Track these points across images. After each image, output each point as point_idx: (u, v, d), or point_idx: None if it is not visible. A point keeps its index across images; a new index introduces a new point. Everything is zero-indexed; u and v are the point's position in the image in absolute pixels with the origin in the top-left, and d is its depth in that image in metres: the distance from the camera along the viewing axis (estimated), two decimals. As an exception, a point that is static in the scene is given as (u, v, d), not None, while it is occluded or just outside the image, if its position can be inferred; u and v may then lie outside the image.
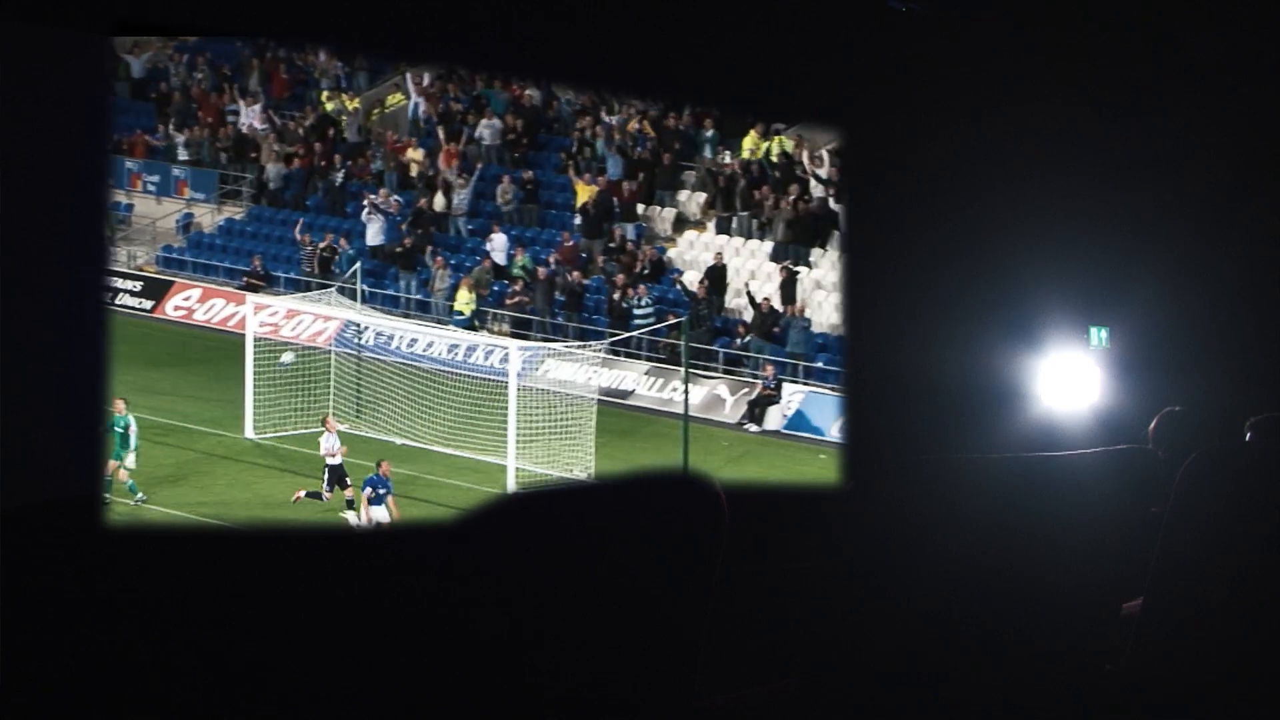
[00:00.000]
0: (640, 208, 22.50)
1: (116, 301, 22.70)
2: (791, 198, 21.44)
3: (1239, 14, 8.45)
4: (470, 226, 23.86)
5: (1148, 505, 3.46)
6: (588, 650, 2.53)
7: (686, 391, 18.77)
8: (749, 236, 22.14)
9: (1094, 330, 9.52)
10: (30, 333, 5.92)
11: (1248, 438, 5.69)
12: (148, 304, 23.79)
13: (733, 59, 7.72)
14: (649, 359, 20.92)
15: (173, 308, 23.83)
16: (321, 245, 23.59)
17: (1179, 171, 8.91)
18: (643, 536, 2.56)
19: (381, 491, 15.55)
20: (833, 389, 19.08)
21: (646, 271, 21.78)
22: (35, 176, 5.93)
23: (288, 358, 19.65)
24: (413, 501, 16.21)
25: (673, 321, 20.64)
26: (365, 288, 22.30)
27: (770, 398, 19.78)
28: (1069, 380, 9.36)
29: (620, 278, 21.57)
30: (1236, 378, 8.27)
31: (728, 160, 21.62)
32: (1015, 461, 3.84)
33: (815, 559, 3.52)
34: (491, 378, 18.54)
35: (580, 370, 20.14)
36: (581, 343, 20.80)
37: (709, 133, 21.29)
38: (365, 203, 23.76)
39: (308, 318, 21.80)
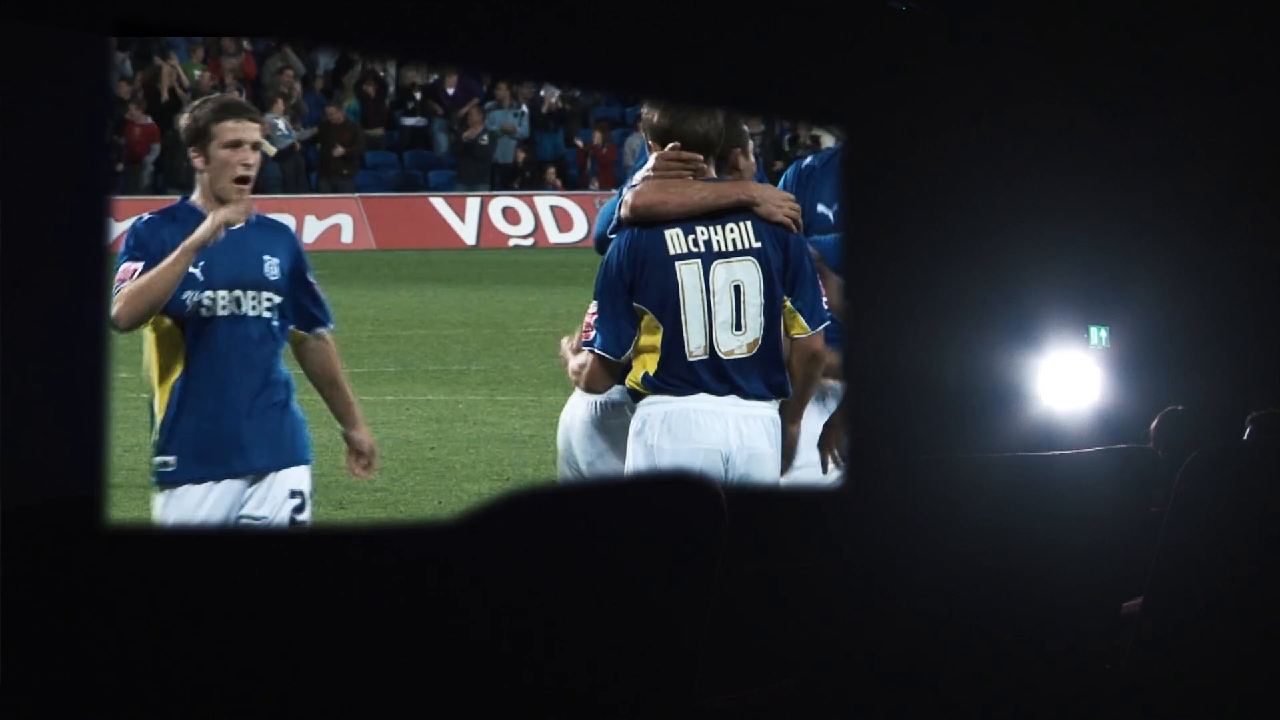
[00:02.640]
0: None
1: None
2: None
3: (1239, 14, 8.44)
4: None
5: (1148, 505, 3.46)
6: (588, 650, 2.53)
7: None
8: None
9: (1094, 330, 9.51)
10: (30, 333, 5.92)
11: (1248, 433, 5.70)
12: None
13: (732, 59, 7.71)
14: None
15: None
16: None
17: (1179, 171, 8.90)
18: (643, 536, 2.57)
19: None
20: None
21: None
22: (35, 176, 5.93)
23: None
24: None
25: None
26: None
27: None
28: (1069, 380, 9.35)
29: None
30: (1237, 377, 8.26)
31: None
32: (1015, 461, 3.84)
33: (815, 559, 3.52)
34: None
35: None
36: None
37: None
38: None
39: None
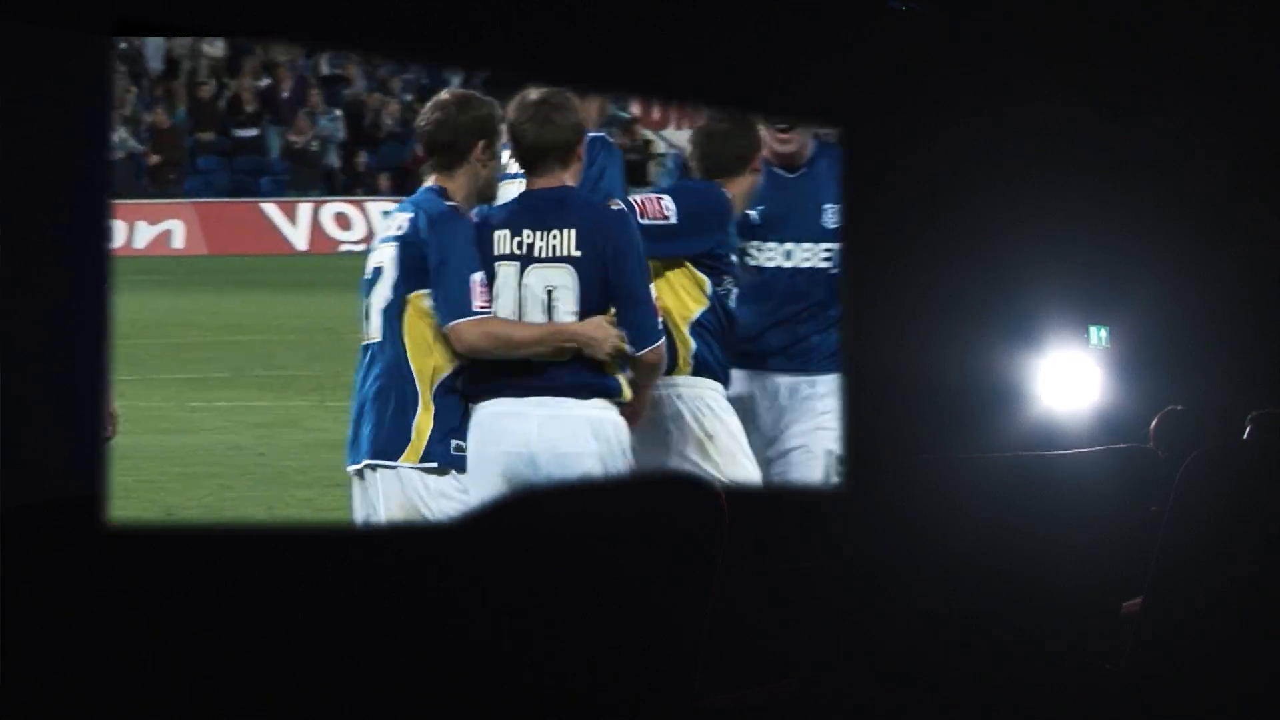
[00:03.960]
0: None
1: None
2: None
3: (1239, 14, 8.45)
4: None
5: (1148, 505, 3.46)
6: (588, 650, 2.53)
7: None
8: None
9: (1094, 329, 9.52)
10: (30, 333, 5.92)
11: (1248, 432, 5.70)
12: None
13: (732, 58, 7.72)
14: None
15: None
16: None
17: (1179, 171, 8.91)
18: (643, 537, 2.57)
19: None
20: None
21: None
22: (35, 176, 5.93)
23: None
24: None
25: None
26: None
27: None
28: (1069, 380, 9.36)
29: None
30: (1237, 377, 8.27)
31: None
32: (1015, 461, 3.85)
33: (815, 559, 3.52)
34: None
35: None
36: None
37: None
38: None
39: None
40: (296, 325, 16.30)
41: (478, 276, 4.82)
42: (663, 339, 5.00)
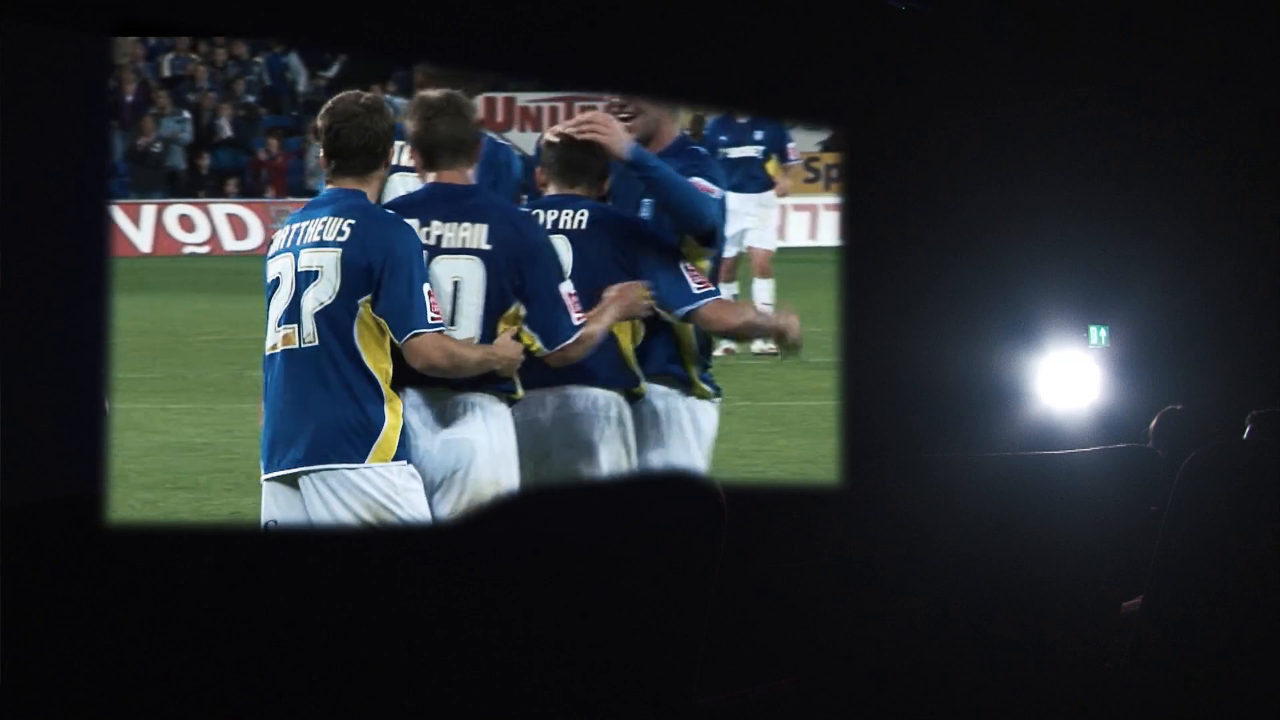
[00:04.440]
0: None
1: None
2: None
3: (1239, 14, 8.46)
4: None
5: (1148, 504, 3.46)
6: (587, 650, 2.53)
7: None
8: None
9: (1094, 329, 9.52)
10: (30, 333, 5.93)
11: (1248, 432, 5.70)
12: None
13: (732, 58, 7.72)
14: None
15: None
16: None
17: (1179, 171, 8.91)
18: (643, 536, 2.57)
19: None
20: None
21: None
22: (35, 176, 5.94)
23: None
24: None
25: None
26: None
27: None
28: (1069, 379, 9.36)
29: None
30: (1237, 377, 8.28)
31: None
32: (1015, 460, 3.84)
33: (815, 558, 3.52)
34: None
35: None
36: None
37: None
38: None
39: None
40: (138, 328, 16.25)
41: (429, 287, 4.83)
42: (573, 336, 4.96)
